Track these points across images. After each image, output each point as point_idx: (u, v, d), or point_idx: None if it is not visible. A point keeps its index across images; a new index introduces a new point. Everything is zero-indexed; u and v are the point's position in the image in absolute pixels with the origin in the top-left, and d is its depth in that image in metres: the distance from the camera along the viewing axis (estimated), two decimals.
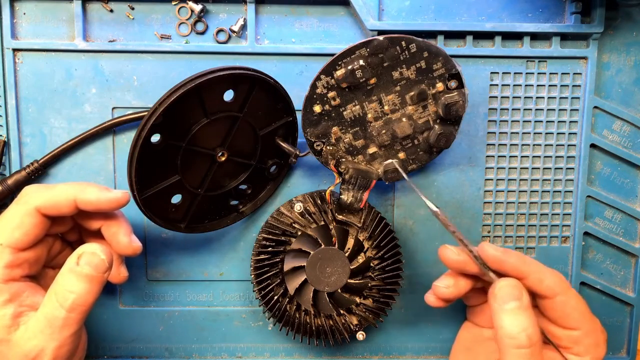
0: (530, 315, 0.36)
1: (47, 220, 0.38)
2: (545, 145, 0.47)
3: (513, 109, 0.47)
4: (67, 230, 0.42)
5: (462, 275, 0.40)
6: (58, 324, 0.35)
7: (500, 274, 0.38)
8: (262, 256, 0.43)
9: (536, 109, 0.47)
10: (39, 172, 0.44)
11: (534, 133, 0.47)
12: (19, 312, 0.36)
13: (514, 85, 0.46)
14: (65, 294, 0.36)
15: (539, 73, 0.46)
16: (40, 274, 0.41)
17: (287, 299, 0.44)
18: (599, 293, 0.49)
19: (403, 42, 0.40)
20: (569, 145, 0.47)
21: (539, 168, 0.47)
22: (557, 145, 0.47)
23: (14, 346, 0.36)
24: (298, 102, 0.42)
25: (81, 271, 0.36)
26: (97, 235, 0.41)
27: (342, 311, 0.44)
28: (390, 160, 0.43)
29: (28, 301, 0.37)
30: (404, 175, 0.42)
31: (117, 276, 0.42)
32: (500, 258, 0.38)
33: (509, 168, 0.47)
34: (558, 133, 0.47)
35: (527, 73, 0.46)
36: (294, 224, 0.44)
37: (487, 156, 0.47)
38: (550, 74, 0.46)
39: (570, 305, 0.38)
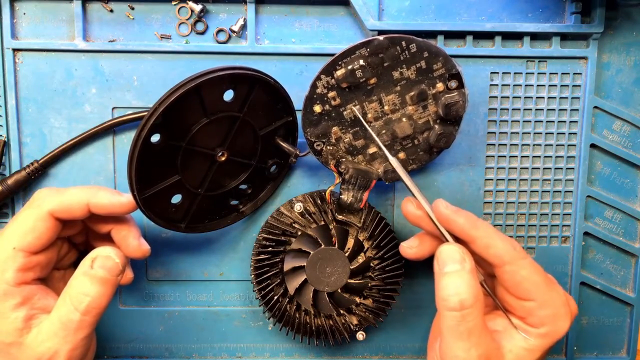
0: (469, 280, 0.35)
1: (59, 224, 0.38)
2: (545, 145, 0.47)
3: (513, 109, 0.47)
4: (76, 233, 0.42)
5: (429, 238, 0.41)
6: (72, 326, 0.36)
7: (455, 237, 0.38)
8: (262, 256, 0.43)
9: (536, 109, 0.47)
10: (39, 172, 0.44)
11: (534, 133, 0.47)
12: (30, 315, 0.36)
13: (514, 85, 0.46)
14: (79, 297, 0.36)
15: (539, 73, 0.46)
16: (48, 275, 0.41)
17: (287, 299, 0.44)
18: (599, 293, 0.49)
19: (403, 42, 0.40)
20: (569, 145, 0.47)
21: (539, 168, 0.47)
22: (557, 145, 0.47)
23: (26, 349, 0.36)
24: (298, 102, 0.42)
25: (95, 274, 0.36)
26: (105, 238, 0.42)
27: (342, 311, 0.44)
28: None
29: (39, 304, 0.37)
30: (383, 148, 0.41)
31: (123, 278, 0.42)
32: (449, 217, 0.37)
33: (509, 168, 0.47)
34: (558, 133, 0.47)
35: (527, 73, 0.46)
36: (294, 224, 0.44)
37: (487, 156, 0.47)
38: (550, 74, 0.46)
39: (520, 275, 0.36)
